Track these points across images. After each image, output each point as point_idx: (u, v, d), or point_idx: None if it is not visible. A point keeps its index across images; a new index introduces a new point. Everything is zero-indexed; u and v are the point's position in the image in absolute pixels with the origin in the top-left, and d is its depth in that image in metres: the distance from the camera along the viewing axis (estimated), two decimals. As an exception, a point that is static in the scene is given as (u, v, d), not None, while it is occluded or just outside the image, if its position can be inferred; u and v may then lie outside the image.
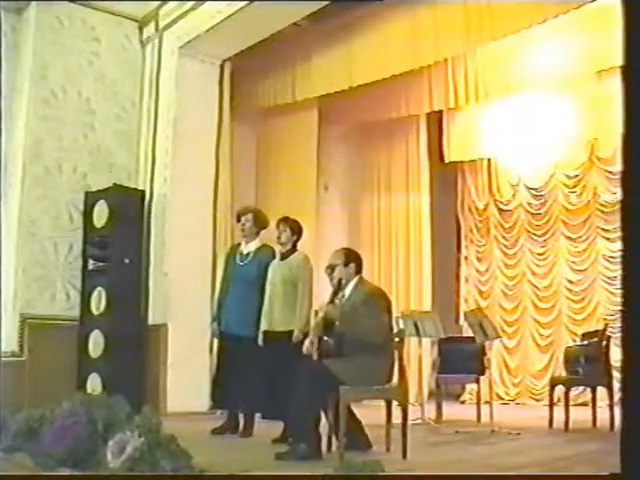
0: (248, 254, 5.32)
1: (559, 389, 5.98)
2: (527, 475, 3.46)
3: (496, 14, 6.02)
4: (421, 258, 8.88)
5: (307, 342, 4.39)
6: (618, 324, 1.75)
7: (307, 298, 5.01)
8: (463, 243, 9.63)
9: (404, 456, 3.98)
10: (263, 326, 5.13)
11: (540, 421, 5.96)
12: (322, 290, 5.10)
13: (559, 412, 5.64)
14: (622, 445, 1.59)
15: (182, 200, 7.15)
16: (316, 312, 4.65)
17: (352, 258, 4.35)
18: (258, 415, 5.07)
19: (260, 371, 5.02)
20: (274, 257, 5.24)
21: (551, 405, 5.84)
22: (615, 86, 6.44)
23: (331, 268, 4.34)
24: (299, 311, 4.95)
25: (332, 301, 4.22)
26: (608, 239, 8.27)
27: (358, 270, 4.35)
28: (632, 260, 1.63)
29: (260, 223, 5.37)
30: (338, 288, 4.29)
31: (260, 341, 5.09)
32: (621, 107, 1.64)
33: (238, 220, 5.44)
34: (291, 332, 4.95)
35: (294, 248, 5.18)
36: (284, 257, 5.17)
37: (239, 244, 5.48)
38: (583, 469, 3.70)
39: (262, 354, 5.08)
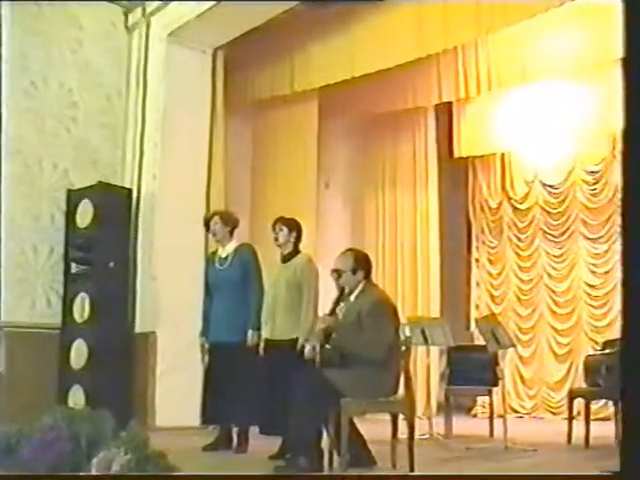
0: (227, 257, 5.40)
1: (578, 402, 5.97)
2: (527, 475, 3.47)
3: (509, -3, 6.02)
4: (429, 260, 8.87)
5: (308, 347, 4.40)
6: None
7: (312, 304, 5.02)
8: (474, 244, 9.64)
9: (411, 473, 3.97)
10: (264, 334, 5.14)
11: (558, 436, 5.95)
12: (323, 293, 5.10)
13: (579, 427, 5.63)
14: (622, 445, 1.62)
15: (172, 199, 7.14)
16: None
17: (361, 264, 4.31)
18: (255, 430, 5.07)
19: (256, 380, 5.04)
20: (255, 255, 5.37)
21: (570, 419, 5.83)
22: None
23: (338, 273, 4.30)
24: (304, 318, 4.95)
25: (333, 312, 4.22)
26: (631, 240, 8.26)
27: (366, 275, 4.34)
28: (633, 261, 1.65)
29: (230, 222, 5.48)
30: (340, 297, 4.29)
31: (261, 350, 5.11)
32: (622, 102, 1.65)
33: (207, 228, 5.58)
34: (294, 340, 4.95)
35: (296, 250, 5.21)
36: (286, 259, 5.19)
37: (215, 251, 5.60)
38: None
39: (258, 362, 5.10)
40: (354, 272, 4.27)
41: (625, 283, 1.64)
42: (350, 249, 4.51)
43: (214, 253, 5.59)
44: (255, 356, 5.18)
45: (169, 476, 2.49)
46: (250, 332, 5.15)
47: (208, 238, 7.28)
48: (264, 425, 4.95)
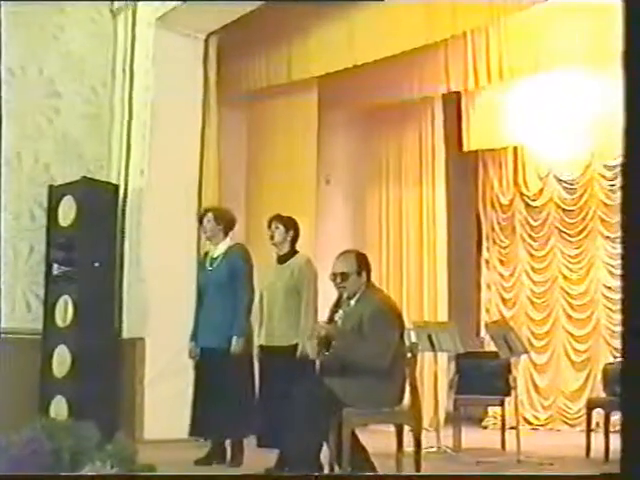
0: (217, 257, 5.40)
1: (597, 413, 5.96)
2: (527, 475, 3.47)
3: (523, -21, 6.02)
4: (436, 261, 8.86)
5: (310, 348, 4.40)
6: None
7: (312, 307, 5.03)
8: (484, 244, 9.62)
9: (418, 489, 3.97)
10: (259, 340, 5.14)
11: (575, 450, 5.96)
12: (323, 296, 5.09)
13: (597, 439, 5.62)
14: (622, 445, 1.69)
15: (161, 195, 7.13)
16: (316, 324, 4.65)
17: (364, 264, 4.33)
18: (250, 442, 5.07)
19: (250, 389, 5.04)
20: (245, 256, 5.35)
21: (588, 431, 5.83)
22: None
23: (343, 277, 4.27)
24: (304, 322, 4.96)
25: (332, 319, 4.22)
26: (653, 239, 8.25)
27: (368, 276, 4.34)
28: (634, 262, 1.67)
29: (223, 221, 5.45)
30: (339, 302, 4.28)
31: (255, 357, 5.12)
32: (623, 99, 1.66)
33: (201, 224, 5.59)
34: (292, 347, 4.95)
35: (293, 250, 5.22)
36: (283, 260, 5.21)
37: (208, 251, 5.61)
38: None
39: (252, 369, 5.10)
40: (359, 274, 4.27)
41: (626, 286, 1.66)
42: (348, 250, 4.51)
43: (207, 253, 5.60)
44: (247, 363, 5.18)
45: (169, 476, 2.51)
46: (235, 339, 5.13)
47: (200, 237, 7.30)
48: (262, 437, 4.94)
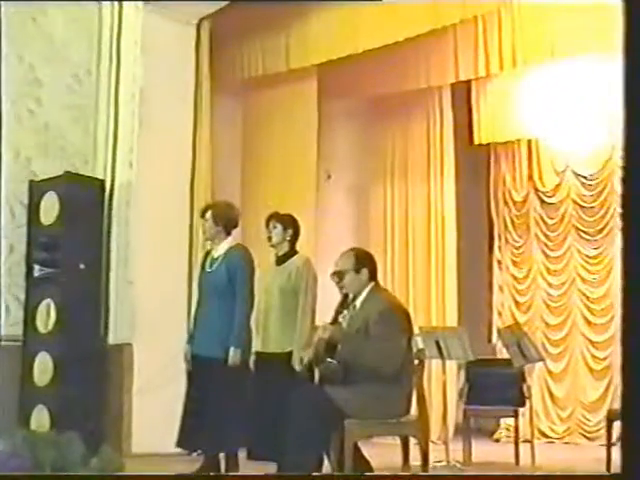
0: (217, 258, 5.38)
1: (619, 425, 5.94)
2: (528, 475, 3.48)
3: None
4: (444, 262, 8.87)
5: (305, 359, 4.40)
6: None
7: (309, 312, 5.05)
8: (496, 244, 9.63)
9: (426, 506, 3.97)
10: (255, 346, 5.15)
11: (595, 464, 5.95)
12: (323, 300, 5.08)
13: (619, 454, 5.60)
14: (622, 445, 1.73)
15: (151, 191, 7.13)
16: (316, 328, 4.65)
17: (364, 262, 4.35)
18: (244, 455, 5.07)
19: (244, 398, 5.04)
20: (245, 258, 5.31)
21: (609, 445, 5.81)
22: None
23: (339, 275, 4.30)
24: (299, 328, 4.96)
25: (336, 320, 4.23)
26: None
27: (372, 276, 4.34)
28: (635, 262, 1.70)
29: (223, 220, 5.40)
30: (343, 303, 4.29)
31: (251, 364, 5.13)
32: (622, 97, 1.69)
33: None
34: (289, 353, 4.96)
35: (293, 250, 5.23)
36: (281, 261, 5.24)
37: (209, 250, 5.59)
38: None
39: (247, 377, 5.11)
40: (357, 271, 4.29)
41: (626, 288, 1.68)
42: (351, 248, 4.53)
43: (208, 253, 5.58)
44: (242, 372, 5.18)
45: (169, 476, 2.51)
46: (232, 350, 5.09)
47: (193, 236, 7.32)
48: (252, 450, 4.94)
